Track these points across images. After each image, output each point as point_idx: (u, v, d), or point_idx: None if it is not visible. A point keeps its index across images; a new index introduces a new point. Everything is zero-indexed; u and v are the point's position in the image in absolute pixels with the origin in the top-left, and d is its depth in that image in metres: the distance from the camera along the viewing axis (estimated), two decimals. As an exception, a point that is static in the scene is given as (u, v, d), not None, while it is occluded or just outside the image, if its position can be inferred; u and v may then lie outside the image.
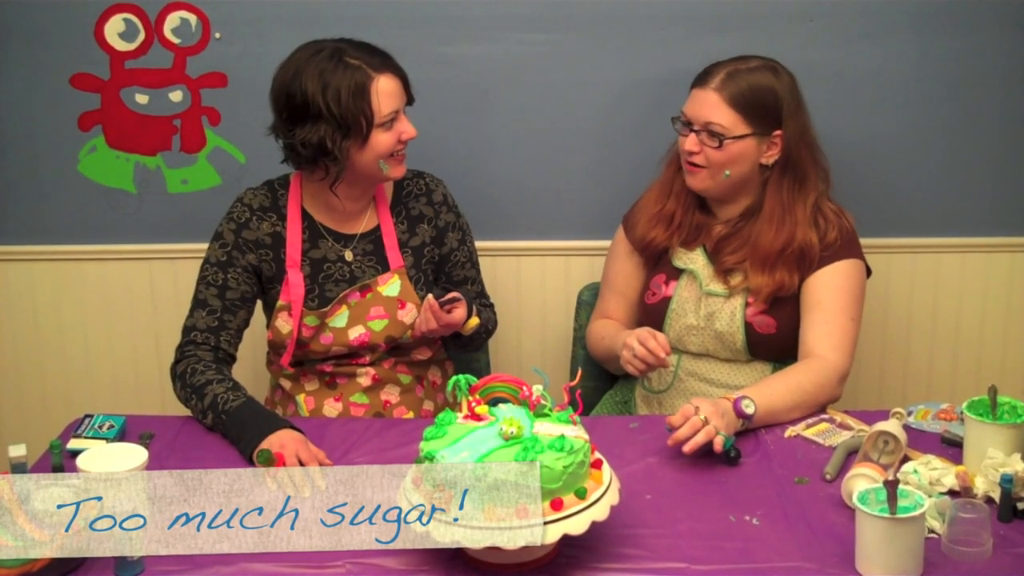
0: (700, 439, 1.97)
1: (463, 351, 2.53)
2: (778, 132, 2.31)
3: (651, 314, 2.44)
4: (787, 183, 2.33)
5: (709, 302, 2.37)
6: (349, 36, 2.28)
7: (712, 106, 2.28)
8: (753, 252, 2.32)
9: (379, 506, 1.87)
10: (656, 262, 2.46)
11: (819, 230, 2.32)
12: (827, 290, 2.30)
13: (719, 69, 2.30)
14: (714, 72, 2.30)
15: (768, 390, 2.15)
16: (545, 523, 1.63)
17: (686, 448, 1.98)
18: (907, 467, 1.91)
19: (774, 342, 2.34)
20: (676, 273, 2.42)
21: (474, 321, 2.31)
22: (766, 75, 2.31)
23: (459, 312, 2.27)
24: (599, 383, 2.62)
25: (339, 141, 2.22)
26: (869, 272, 2.40)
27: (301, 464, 1.99)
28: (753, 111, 2.29)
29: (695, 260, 2.40)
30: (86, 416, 2.20)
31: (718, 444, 1.99)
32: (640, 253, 2.46)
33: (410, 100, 2.31)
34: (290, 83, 2.23)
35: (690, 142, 2.30)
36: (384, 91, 2.23)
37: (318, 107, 2.20)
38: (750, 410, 2.09)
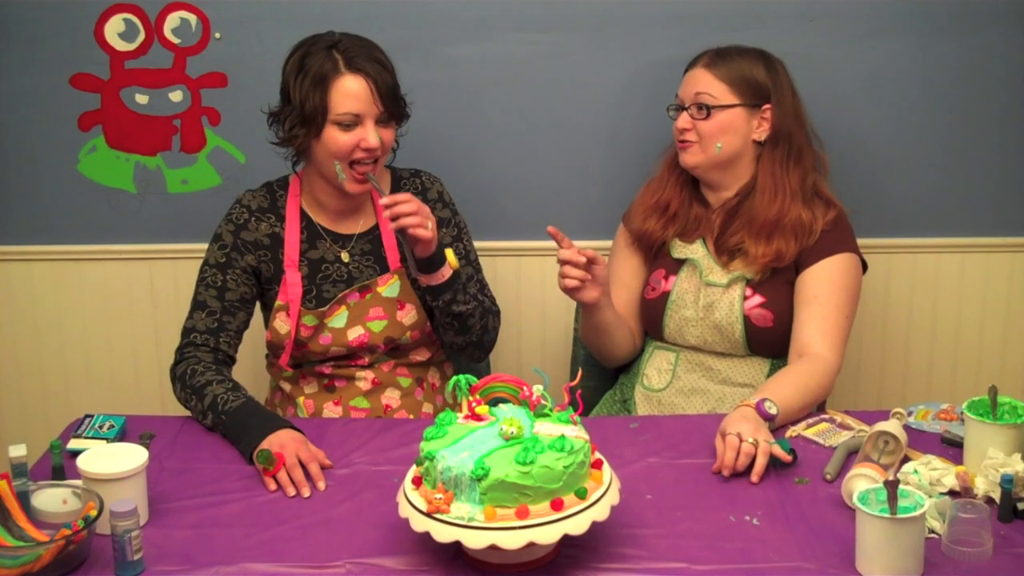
0: (762, 460, 1.95)
1: (456, 336, 2.39)
2: (767, 106, 2.37)
3: (650, 309, 2.45)
4: (779, 157, 2.37)
5: (708, 292, 2.38)
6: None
7: (699, 79, 2.37)
8: (751, 224, 2.34)
9: (380, 506, 1.88)
10: (655, 256, 2.48)
11: (816, 208, 2.36)
12: (824, 285, 2.31)
13: (706, 52, 2.41)
14: (704, 54, 2.41)
15: (780, 392, 2.14)
16: (545, 523, 1.63)
17: (754, 477, 1.94)
18: (907, 467, 1.91)
19: (772, 337, 2.35)
20: (675, 267, 2.44)
21: (451, 252, 2.25)
22: (753, 54, 2.40)
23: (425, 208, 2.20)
24: (599, 383, 2.62)
25: (296, 126, 2.23)
26: (865, 267, 2.41)
27: (301, 464, 1.99)
28: (740, 83, 2.36)
29: (695, 251, 2.42)
30: (86, 416, 2.20)
31: (783, 455, 1.98)
32: (638, 245, 2.49)
33: (395, 115, 2.28)
34: (286, 62, 2.28)
35: (682, 120, 2.38)
36: (344, 89, 2.21)
37: (288, 88, 2.25)
38: (773, 411, 2.08)
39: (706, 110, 2.34)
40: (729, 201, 2.41)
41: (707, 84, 2.35)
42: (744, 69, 2.36)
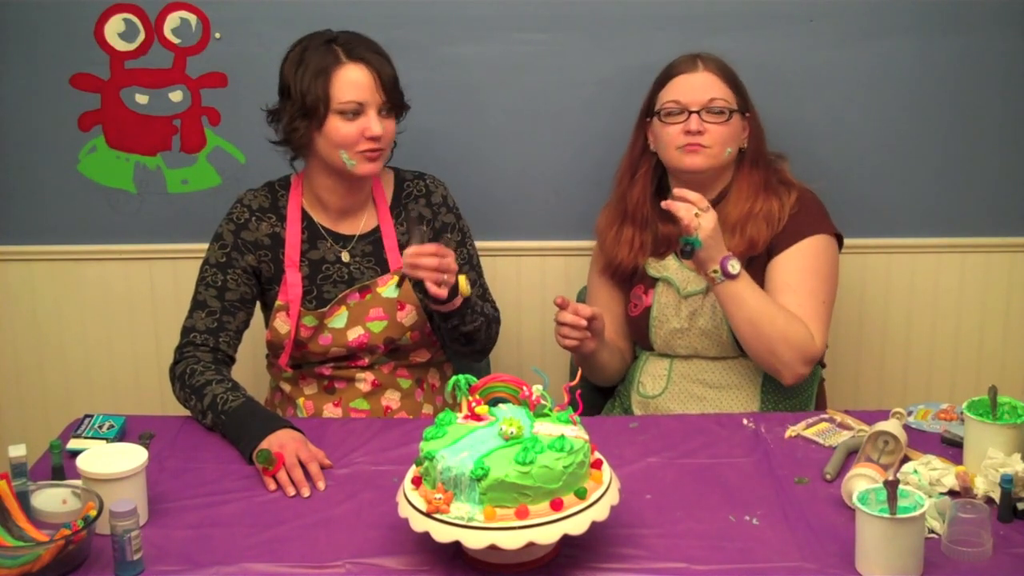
0: (682, 208, 2.14)
1: (461, 347, 2.42)
2: (749, 114, 2.38)
3: (636, 325, 2.46)
4: (752, 161, 2.38)
5: (689, 302, 2.38)
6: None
7: (711, 84, 2.34)
8: (723, 224, 2.31)
9: (379, 506, 1.88)
10: (631, 276, 2.48)
11: (781, 195, 2.36)
12: (794, 273, 2.31)
13: (693, 57, 2.38)
14: (691, 59, 2.38)
15: (755, 288, 2.22)
16: (545, 523, 1.63)
17: (670, 202, 2.17)
18: (907, 467, 1.91)
19: None
20: (652, 282, 2.44)
21: (464, 279, 2.24)
22: (725, 62, 2.40)
23: (451, 259, 2.18)
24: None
25: (297, 119, 2.23)
26: (841, 242, 2.40)
27: (301, 464, 1.99)
28: (737, 89, 2.38)
29: (668, 267, 2.42)
30: (86, 416, 2.20)
31: (684, 226, 2.15)
32: (611, 275, 2.49)
33: (396, 106, 2.29)
34: (284, 59, 2.28)
35: (694, 122, 2.32)
36: (347, 78, 2.22)
37: (288, 83, 2.24)
38: (734, 270, 2.18)
39: (727, 113, 2.33)
40: None
41: (720, 90, 2.34)
42: (734, 75, 2.38)
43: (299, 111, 2.23)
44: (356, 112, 2.23)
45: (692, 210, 2.16)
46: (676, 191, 2.20)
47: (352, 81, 2.22)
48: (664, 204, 2.19)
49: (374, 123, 2.23)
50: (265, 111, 2.31)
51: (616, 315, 2.50)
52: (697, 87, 2.34)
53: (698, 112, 2.32)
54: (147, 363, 2.91)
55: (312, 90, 2.21)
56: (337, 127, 2.23)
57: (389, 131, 2.27)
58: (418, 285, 2.23)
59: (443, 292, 2.17)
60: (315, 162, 2.32)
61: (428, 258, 2.15)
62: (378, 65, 2.25)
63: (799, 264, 2.31)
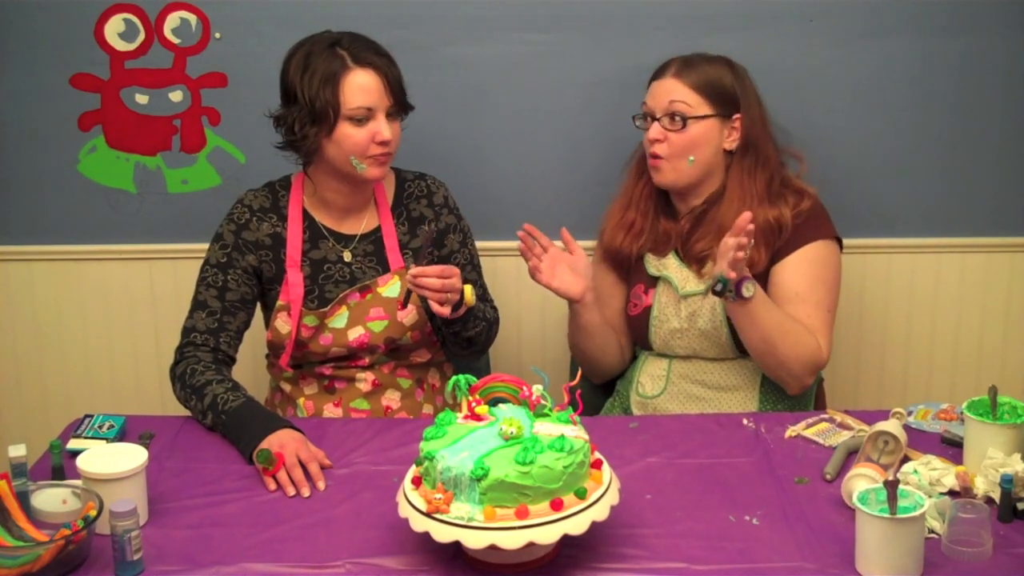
0: (732, 244, 2.07)
1: (461, 350, 2.47)
2: (738, 116, 2.36)
3: (635, 324, 2.45)
4: (747, 165, 2.37)
5: (689, 302, 2.38)
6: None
7: (672, 90, 2.33)
8: (719, 233, 2.30)
9: (379, 506, 1.88)
10: (631, 271, 2.48)
11: (787, 201, 2.34)
12: (801, 282, 2.30)
13: (675, 59, 2.38)
14: (671, 63, 2.38)
15: (769, 305, 2.21)
16: (545, 523, 1.63)
17: (742, 220, 2.07)
18: (907, 467, 1.91)
19: None
20: (653, 281, 2.44)
21: (469, 288, 2.26)
22: (719, 62, 2.38)
23: (456, 279, 2.22)
24: (597, 383, 2.62)
25: (306, 126, 2.22)
26: (840, 244, 2.40)
27: (301, 464, 1.99)
28: (713, 92, 2.34)
29: (668, 265, 2.42)
30: (86, 416, 2.20)
31: (720, 266, 2.11)
32: (611, 261, 2.49)
33: (402, 108, 2.29)
34: (286, 63, 2.27)
35: (653, 131, 2.34)
36: (356, 84, 2.22)
37: (294, 89, 2.23)
38: (748, 293, 2.15)
39: (681, 120, 2.32)
40: (696, 208, 2.40)
41: (681, 93, 2.32)
42: (714, 77, 2.35)
43: (308, 117, 2.22)
44: (365, 117, 2.23)
45: (743, 253, 2.11)
46: (743, 224, 2.08)
47: (361, 86, 2.22)
48: (743, 224, 2.08)
49: (384, 128, 2.24)
50: (269, 117, 2.30)
51: (614, 309, 2.50)
52: (660, 93, 2.35)
53: (659, 119, 2.33)
54: (147, 363, 2.91)
55: (321, 97, 2.20)
56: (348, 133, 2.22)
57: (397, 134, 2.27)
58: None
59: (445, 311, 2.21)
60: (321, 165, 2.31)
61: (431, 280, 2.17)
62: (385, 68, 2.25)
63: (806, 273, 2.31)
